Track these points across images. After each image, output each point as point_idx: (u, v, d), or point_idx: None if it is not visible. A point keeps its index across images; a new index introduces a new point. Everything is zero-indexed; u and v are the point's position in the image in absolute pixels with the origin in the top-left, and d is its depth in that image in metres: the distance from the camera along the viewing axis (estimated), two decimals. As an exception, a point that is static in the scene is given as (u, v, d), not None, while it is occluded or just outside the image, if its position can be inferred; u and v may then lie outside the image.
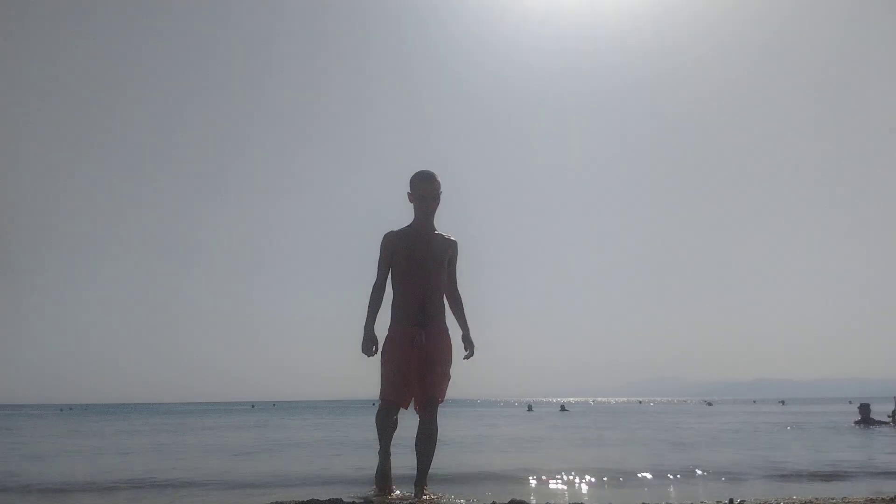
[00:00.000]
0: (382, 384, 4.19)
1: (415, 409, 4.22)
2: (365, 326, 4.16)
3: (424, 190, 4.20)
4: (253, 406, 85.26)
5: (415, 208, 4.27)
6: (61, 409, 74.06)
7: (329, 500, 3.88)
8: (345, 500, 3.91)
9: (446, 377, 4.24)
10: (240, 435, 16.51)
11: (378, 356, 4.21)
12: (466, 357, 4.37)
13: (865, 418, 17.65)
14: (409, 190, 4.26)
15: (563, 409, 45.08)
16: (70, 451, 11.57)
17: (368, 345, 4.13)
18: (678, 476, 6.20)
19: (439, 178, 4.23)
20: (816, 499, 4.08)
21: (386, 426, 4.14)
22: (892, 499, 3.80)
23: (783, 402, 70.80)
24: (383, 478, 4.14)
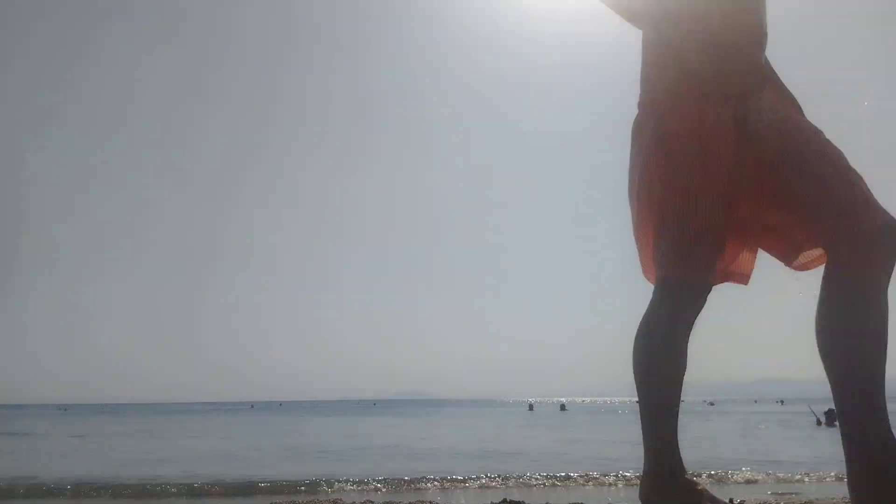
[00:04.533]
0: (659, 245, 1.63)
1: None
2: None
3: None
4: (252, 406, 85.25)
5: None
6: (66, 409, 73.93)
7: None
8: None
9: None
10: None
11: None
12: None
13: (830, 421, 19.54)
14: None
15: (562, 408, 45.16)
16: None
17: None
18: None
19: None
20: (817, 499, 4.07)
21: (670, 360, 1.66)
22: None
23: (782, 402, 70.89)
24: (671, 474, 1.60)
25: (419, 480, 5.76)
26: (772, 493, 4.72)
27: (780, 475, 6.37)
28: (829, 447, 11.01)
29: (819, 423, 19.51)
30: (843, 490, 5.02)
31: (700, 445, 11.54)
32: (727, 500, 3.93)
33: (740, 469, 6.92)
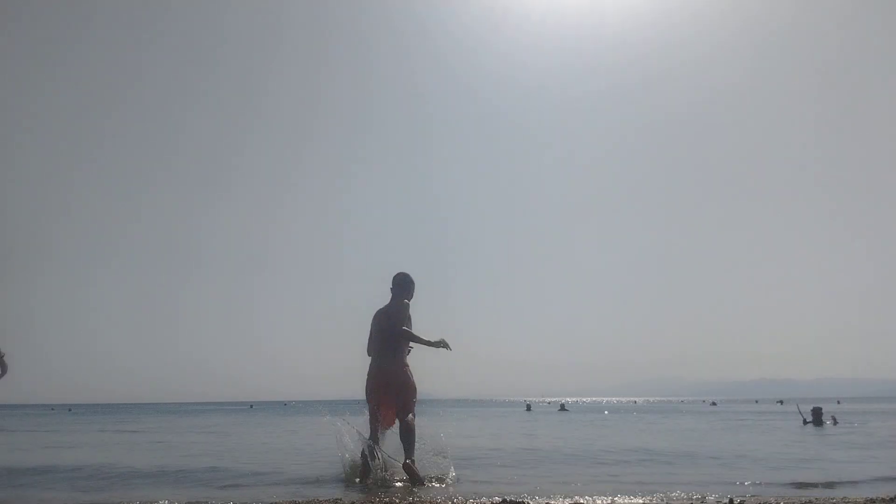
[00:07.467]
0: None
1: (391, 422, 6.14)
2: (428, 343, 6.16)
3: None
4: (251, 406, 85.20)
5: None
6: (71, 409, 73.81)
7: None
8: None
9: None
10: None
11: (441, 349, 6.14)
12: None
13: (816, 420, 19.83)
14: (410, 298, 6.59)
15: (562, 408, 45.19)
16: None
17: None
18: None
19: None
20: (816, 499, 4.08)
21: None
22: (891, 499, 3.81)
23: (781, 402, 70.98)
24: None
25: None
26: (771, 493, 4.72)
27: (775, 473, 6.38)
28: (815, 446, 11.05)
29: (805, 422, 19.74)
30: (841, 490, 5.02)
31: (690, 439, 11.57)
32: (727, 500, 3.93)
33: (735, 468, 6.93)
